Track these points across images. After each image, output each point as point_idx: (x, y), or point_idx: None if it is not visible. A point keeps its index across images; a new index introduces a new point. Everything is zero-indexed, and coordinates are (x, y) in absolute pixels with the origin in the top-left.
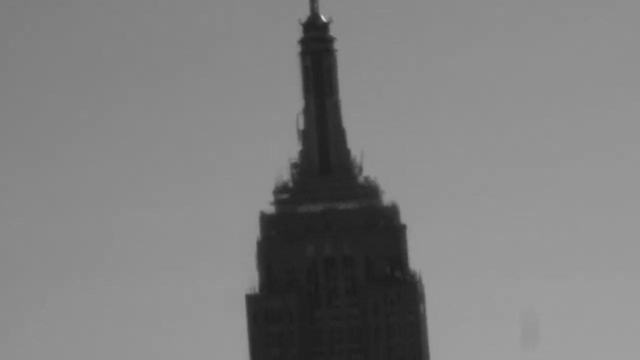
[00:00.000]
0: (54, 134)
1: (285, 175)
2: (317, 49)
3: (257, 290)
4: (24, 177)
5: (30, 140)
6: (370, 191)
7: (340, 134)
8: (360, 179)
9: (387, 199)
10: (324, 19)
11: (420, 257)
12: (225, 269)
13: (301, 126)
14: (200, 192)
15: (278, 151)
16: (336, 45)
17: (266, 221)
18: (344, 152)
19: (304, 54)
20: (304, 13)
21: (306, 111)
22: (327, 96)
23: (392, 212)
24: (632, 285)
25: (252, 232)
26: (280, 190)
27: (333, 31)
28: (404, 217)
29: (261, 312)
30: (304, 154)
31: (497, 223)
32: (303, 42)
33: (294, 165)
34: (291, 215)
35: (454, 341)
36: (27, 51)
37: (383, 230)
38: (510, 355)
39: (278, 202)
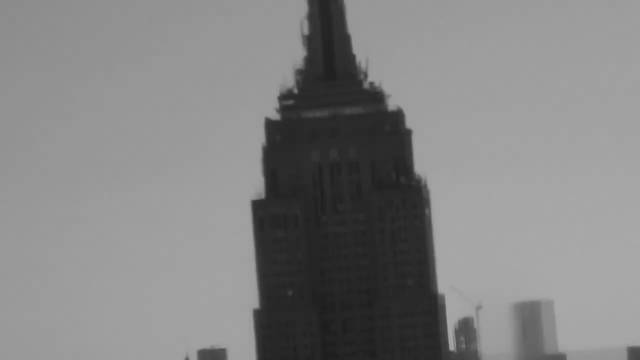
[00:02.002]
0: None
1: (290, 81)
2: None
3: (262, 195)
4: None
5: None
6: (376, 96)
7: (345, 39)
8: (366, 84)
9: (392, 104)
10: None
11: (425, 162)
12: (230, 174)
13: (305, 32)
14: (206, 99)
15: (282, 57)
16: None
17: (271, 127)
18: (349, 58)
19: None
20: None
21: (310, 16)
22: (331, 1)
23: (397, 117)
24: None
25: (258, 138)
26: (285, 96)
27: None
28: (410, 122)
29: (267, 217)
30: (308, 59)
31: (501, 126)
32: None
33: (299, 72)
34: (296, 121)
35: (460, 244)
36: None
37: (388, 135)
38: (512, 254)
39: (283, 108)
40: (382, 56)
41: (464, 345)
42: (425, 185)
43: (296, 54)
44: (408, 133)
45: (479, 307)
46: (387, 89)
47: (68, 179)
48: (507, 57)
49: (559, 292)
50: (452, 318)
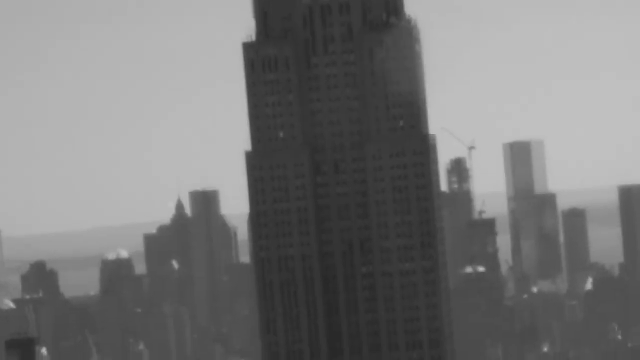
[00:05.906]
0: None
1: None
2: None
3: (253, 37)
4: None
5: None
6: None
7: None
8: None
9: None
10: None
11: (416, 3)
12: (221, 17)
13: None
14: None
15: None
16: None
17: None
18: None
19: None
20: None
21: None
22: None
23: None
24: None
25: None
26: None
27: None
28: None
29: (258, 59)
30: None
31: None
32: None
33: None
34: None
35: (451, 85)
36: None
37: None
38: (503, 95)
39: None
40: None
41: (456, 185)
42: (416, 26)
43: None
44: None
45: (471, 148)
46: None
47: (61, 19)
48: None
49: (549, 132)
50: (444, 159)
